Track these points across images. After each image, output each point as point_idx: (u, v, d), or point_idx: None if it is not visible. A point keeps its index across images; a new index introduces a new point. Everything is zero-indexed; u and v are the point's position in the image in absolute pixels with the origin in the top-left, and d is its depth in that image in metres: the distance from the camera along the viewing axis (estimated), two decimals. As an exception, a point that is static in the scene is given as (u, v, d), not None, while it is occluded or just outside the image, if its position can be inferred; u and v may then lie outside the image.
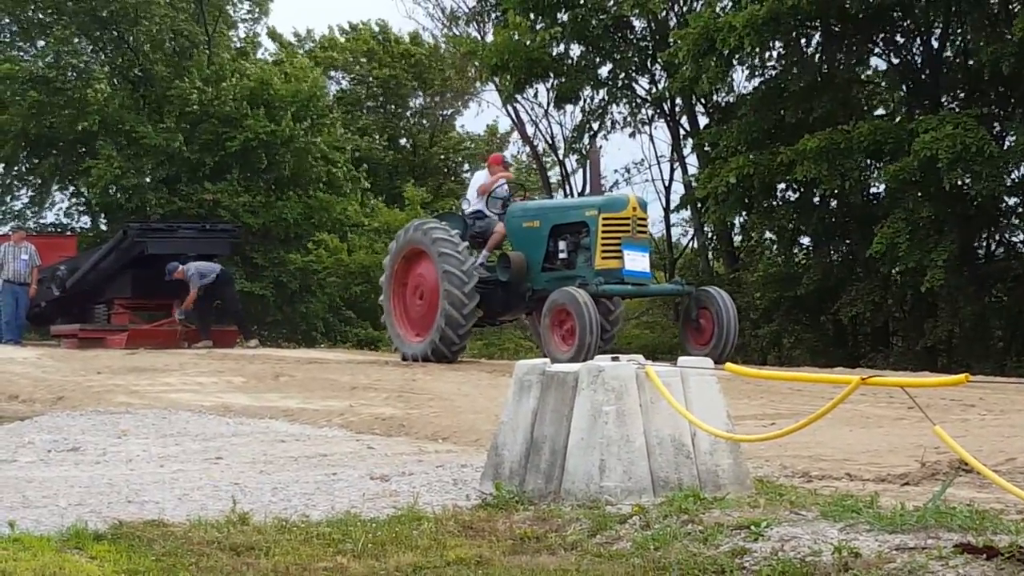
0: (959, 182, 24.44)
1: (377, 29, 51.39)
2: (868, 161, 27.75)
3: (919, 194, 25.42)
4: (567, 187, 40.23)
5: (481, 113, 53.92)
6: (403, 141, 52.73)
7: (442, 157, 52.71)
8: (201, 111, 40.81)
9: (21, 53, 42.89)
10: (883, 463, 9.31)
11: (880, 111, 30.51)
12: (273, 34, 50.60)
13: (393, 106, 52.47)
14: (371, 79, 51.06)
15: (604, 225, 19.33)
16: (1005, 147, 25.61)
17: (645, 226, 20.01)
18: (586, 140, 38.42)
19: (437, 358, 20.31)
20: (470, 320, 20.38)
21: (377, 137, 49.76)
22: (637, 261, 19.43)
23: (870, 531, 6.28)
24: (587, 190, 28.35)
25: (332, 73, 51.46)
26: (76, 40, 42.69)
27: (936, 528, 6.19)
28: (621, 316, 21.70)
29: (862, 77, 30.60)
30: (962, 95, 28.50)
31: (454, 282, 20.03)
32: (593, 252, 19.49)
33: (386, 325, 22.11)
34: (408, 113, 53.07)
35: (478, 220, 21.42)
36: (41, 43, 42.66)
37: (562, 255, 20.16)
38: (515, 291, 20.64)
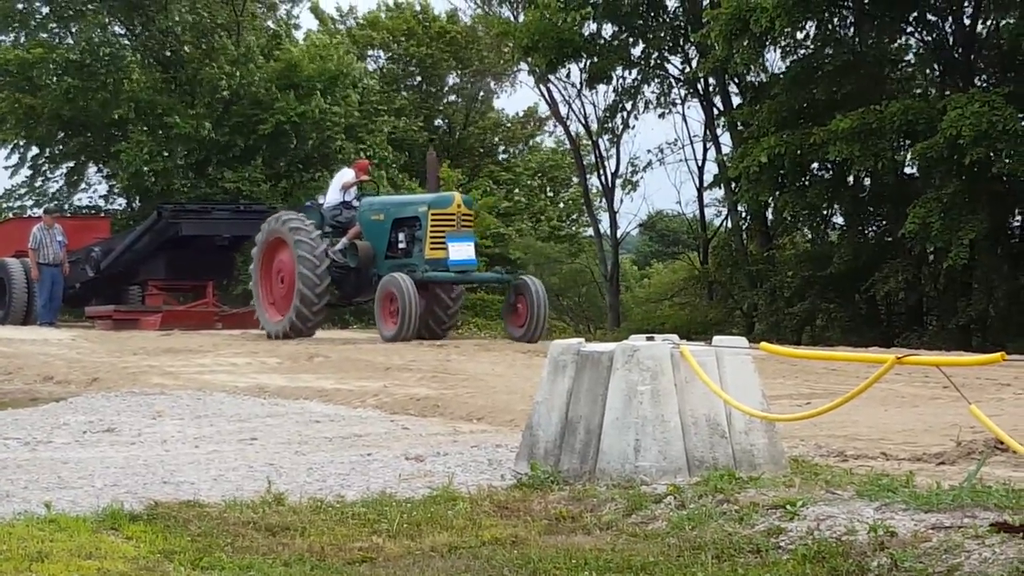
0: (988, 157, 24.20)
1: (419, 8, 51.24)
2: (901, 141, 27.62)
3: (949, 172, 25.26)
4: (601, 167, 40.12)
5: (513, 94, 53.62)
6: (438, 122, 52.51)
7: (481, 137, 52.53)
8: (231, 94, 40.67)
9: (55, 37, 42.75)
10: (918, 442, 9.30)
11: (913, 90, 30.31)
12: (316, 10, 50.46)
13: (429, 86, 52.25)
14: (408, 58, 50.90)
15: (432, 219, 22.07)
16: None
17: (470, 222, 22.80)
18: (619, 120, 38.35)
19: (295, 333, 22.56)
20: (322, 300, 23.00)
21: (413, 118, 49.45)
22: (461, 251, 22.07)
23: (906, 510, 6.26)
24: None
25: (370, 52, 51.28)
26: (108, 22, 42.62)
27: (972, 507, 6.17)
28: (460, 308, 24.16)
29: (893, 56, 30.42)
30: (996, 74, 28.30)
31: (307, 267, 22.40)
32: (424, 243, 21.98)
33: (255, 307, 24.32)
34: (444, 90, 52.79)
35: (345, 210, 23.73)
36: (74, 27, 42.52)
37: (401, 245, 22.75)
38: (364, 276, 23.17)
